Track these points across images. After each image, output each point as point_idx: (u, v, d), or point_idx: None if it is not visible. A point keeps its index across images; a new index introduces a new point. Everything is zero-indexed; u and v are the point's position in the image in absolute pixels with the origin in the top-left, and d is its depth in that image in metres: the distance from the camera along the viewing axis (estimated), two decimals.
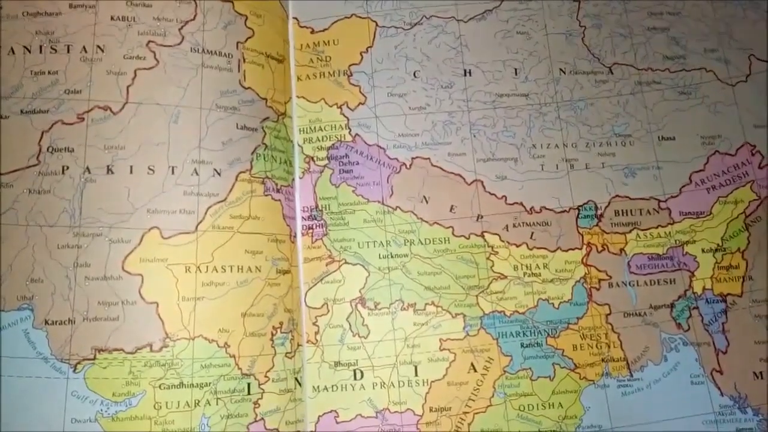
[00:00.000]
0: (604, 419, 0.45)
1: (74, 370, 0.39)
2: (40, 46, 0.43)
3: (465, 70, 0.51)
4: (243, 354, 0.42)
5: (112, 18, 0.45)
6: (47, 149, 0.42)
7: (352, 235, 0.47)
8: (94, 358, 0.40)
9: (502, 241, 0.48)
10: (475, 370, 0.45)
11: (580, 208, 0.48)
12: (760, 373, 0.45)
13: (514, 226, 0.48)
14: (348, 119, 0.50)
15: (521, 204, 0.48)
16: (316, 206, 0.48)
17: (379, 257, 0.47)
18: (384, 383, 0.45)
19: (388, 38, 0.51)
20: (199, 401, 0.41)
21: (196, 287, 0.42)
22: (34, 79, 0.43)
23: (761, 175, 0.48)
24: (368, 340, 0.46)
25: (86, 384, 0.39)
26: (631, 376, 0.45)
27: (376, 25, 0.51)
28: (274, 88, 0.48)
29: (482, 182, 0.48)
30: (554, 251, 0.47)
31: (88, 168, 0.42)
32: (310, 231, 0.48)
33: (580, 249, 0.47)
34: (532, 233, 0.48)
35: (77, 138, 0.42)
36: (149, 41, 0.45)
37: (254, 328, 0.43)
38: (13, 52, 0.43)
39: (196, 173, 0.44)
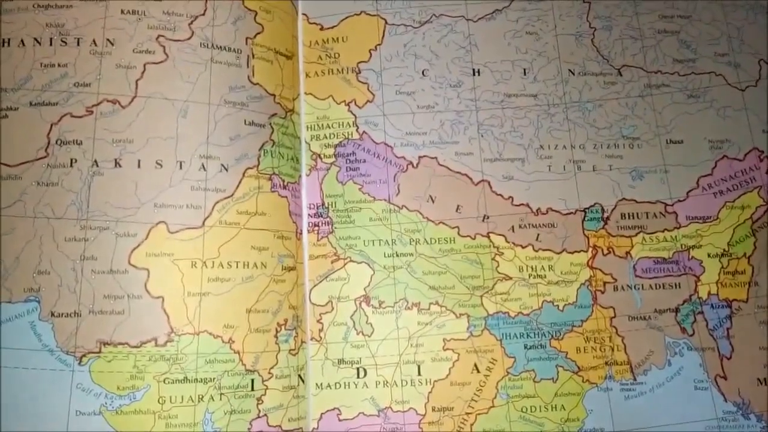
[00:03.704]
0: (607, 422, 0.45)
1: (79, 363, 0.40)
2: (51, 39, 0.43)
3: (474, 70, 0.50)
4: (247, 350, 0.42)
5: (122, 12, 0.45)
6: (56, 142, 0.42)
7: (357, 233, 0.47)
8: (100, 352, 0.40)
9: (508, 242, 0.47)
10: (478, 371, 0.45)
11: (587, 210, 0.48)
12: (764, 379, 0.45)
13: (520, 227, 0.48)
14: (356, 117, 0.49)
15: (527, 205, 0.48)
16: (323, 203, 0.48)
17: (385, 256, 0.47)
18: (387, 382, 0.45)
19: (397, 36, 0.51)
20: (203, 396, 0.41)
21: (201, 282, 0.42)
22: (44, 72, 0.43)
23: None
24: (372, 339, 0.46)
25: (91, 377, 0.39)
26: (635, 379, 0.45)
27: (386, 22, 0.51)
28: (283, 84, 0.48)
29: (489, 182, 0.48)
30: (560, 253, 0.47)
31: (96, 161, 0.42)
32: (316, 228, 0.48)
33: (586, 251, 0.47)
34: (538, 235, 0.48)
35: (86, 131, 0.42)
36: (159, 36, 0.45)
37: (259, 325, 0.43)
38: (23, 44, 0.43)
39: (204, 168, 0.44)
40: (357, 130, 0.49)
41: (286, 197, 0.46)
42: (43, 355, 0.39)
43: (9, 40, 0.43)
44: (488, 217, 0.48)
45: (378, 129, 0.49)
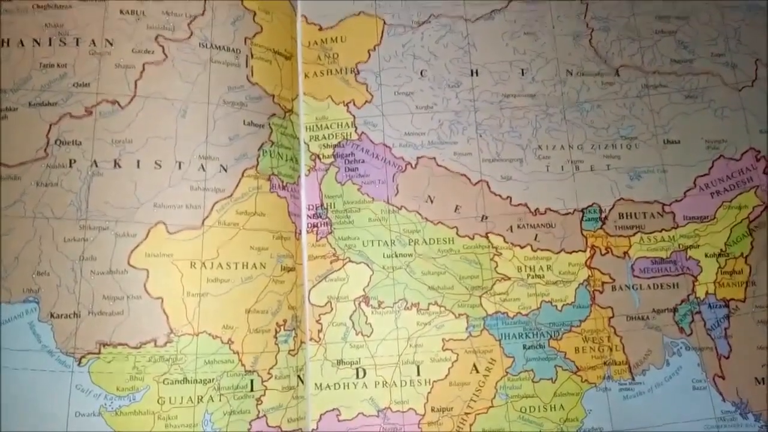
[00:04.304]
0: (606, 422, 0.45)
1: (79, 364, 0.39)
2: (50, 39, 0.43)
3: (472, 70, 0.51)
4: (246, 350, 0.42)
5: (121, 12, 0.45)
6: (55, 142, 0.42)
7: (356, 234, 0.47)
8: (99, 352, 0.40)
9: (506, 242, 0.48)
10: (478, 371, 0.45)
11: (585, 210, 0.48)
12: (762, 378, 0.45)
13: (518, 227, 0.48)
14: (354, 117, 0.50)
15: (526, 205, 0.48)
16: (322, 204, 0.48)
17: (384, 256, 0.47)
18: (386, 382, 0.45)
19: (396, 36, 0.51)
20: (202, 397, 0.41)
21: (201, 283, 0.42)
22: (43, 72, 0.43)
23: (766, 180, 0.48)
24: (371, 339, 0.46)
25: (90, 378, 0.39)
26: (633, 379, 0.45)
27: (384, 23, 0.51)
28: (282, 84, 0.48)
29: (487, 182, 0.49)
30: (558, 253, 0.47)
31: (95, 161, 0.42)
32: (315, 229, 0.48)
33: (584, 251, 0.47)
34: (536, 235, 0.48)
35: (85, 131, 0.42)
36: (158, 36, 0.45)
37: (258, 325, 0.43)
38: (23, 45, 0.43)
39: (203, 168, 0.44)
40: (356, 131, 0.49)
41: (285, 198, 0.46)
42: (42, 356, 0.39)
43: (8, 40, 0.43)
44: (487, 218, 0.48)
45: (377, 129, 0.49)
